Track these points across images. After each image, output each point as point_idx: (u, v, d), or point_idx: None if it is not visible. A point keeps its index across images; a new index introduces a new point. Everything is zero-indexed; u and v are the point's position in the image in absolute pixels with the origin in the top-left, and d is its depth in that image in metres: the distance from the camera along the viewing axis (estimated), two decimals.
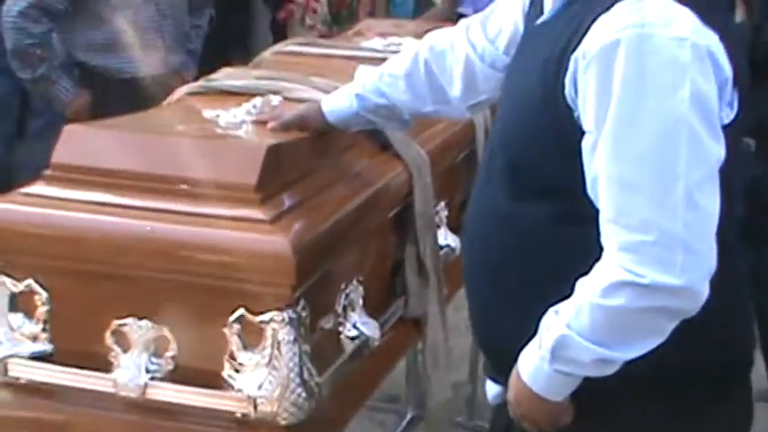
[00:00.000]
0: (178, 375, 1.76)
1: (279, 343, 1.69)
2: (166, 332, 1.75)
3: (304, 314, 1.73)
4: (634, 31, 1.44)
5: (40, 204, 1.79)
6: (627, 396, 1.55)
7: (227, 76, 2.28)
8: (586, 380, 1.52)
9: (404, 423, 3.08)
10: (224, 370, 1.73)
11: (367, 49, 2.64)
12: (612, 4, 1.47)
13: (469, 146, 2.49)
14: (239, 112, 2.01)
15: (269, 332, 1.69)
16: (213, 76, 2.31)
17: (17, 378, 1.82)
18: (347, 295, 1.92)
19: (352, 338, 1.92)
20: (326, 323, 1.87)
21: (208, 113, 2.03)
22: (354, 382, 1.95)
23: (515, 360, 1.56)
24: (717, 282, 1.46)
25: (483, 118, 2.45)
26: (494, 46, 1.83)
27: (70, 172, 1.83)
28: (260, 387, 1.70)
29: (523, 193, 1.58)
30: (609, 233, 1.46)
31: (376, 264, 2.07)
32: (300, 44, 2.74)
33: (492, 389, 1.74)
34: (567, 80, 1.49)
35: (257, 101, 2.04)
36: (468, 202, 1.76)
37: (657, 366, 1.49)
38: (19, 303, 1.81)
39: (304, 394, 1.70)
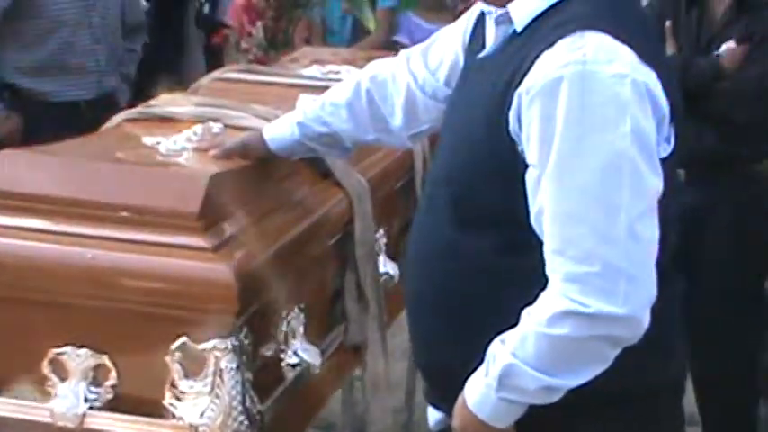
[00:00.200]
0: (118, 404, 1.74)
1: (221, 371, 1.69)
2: (106, 360, 1.74)
3: (246, 342, 1.73)
4: (576, 68, 1.47)
5: None
6: (561, 419, 1.56)
7: (166, 103, 2.27)
8: (530, 405, 1.54)
9: None
10: (165, 398, 1.72)
11: (305, 77, 2.66)
12: (555, 41, 1.50)
13: (408, 174, 2.52)
14: (180, 139, 2.01)
15: (211, 360, 1.69)
16: (152, 102, 2.29)
17: None
18: (288, 323, 1.92)
19: (294, 366, 1.92)
20: (268, 351, 1.87)
21: (148, 140, 2.02)
22: (295, 410, 1.95)
23: (459, 387, 1.58)
24: (656, 309, 1.50)
25: (421, 147, 2.48)
26: (434, 77, 1.85)
27: (7, 198, 1.80)
28: (202, 415, 1.69)
29: (467, 224, 1.61)
30: (554, 264, 1.49)
31: (316, 291, 2.08)
32: (239, 71, 2.74)
33: (433, 415, 1.75)
34: (511, 115, 1.52)
35: (198, 128, 2.04)
36: (410, 231, 1.78)
37: (595, 390, 1.51)
38: None
39: (246, 422, 1.70)
